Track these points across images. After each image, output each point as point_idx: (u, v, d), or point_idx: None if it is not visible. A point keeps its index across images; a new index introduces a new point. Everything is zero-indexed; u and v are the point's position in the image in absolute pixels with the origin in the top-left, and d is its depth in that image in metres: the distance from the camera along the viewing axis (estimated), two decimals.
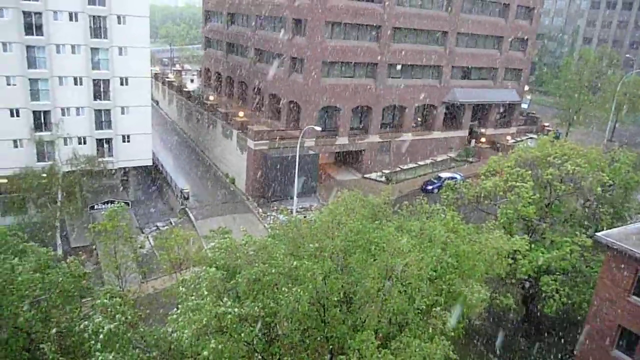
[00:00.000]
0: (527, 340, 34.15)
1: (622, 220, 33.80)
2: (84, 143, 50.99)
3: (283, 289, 18.58)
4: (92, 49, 49.02)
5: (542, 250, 29.43)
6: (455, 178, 51.58)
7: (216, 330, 17.04)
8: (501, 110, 75.03)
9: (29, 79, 47.20)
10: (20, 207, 46.30)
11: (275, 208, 51.29)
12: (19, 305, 19.59)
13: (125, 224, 33.46)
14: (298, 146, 45.90)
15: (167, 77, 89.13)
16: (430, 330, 19.80)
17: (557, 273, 29.77)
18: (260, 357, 18.42)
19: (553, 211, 33.20)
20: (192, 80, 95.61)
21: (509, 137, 72.88)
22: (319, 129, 47.98)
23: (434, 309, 20.28)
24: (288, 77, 57.81)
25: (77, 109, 50.08)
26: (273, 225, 29.67)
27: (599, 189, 31.63)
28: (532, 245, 29.57)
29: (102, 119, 51.79)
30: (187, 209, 50.97)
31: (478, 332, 34.38)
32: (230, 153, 58.67)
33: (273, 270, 19.32)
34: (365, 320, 19.72)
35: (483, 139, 70.62)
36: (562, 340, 33.53)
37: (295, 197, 46.86)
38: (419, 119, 68.00)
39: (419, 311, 20.18)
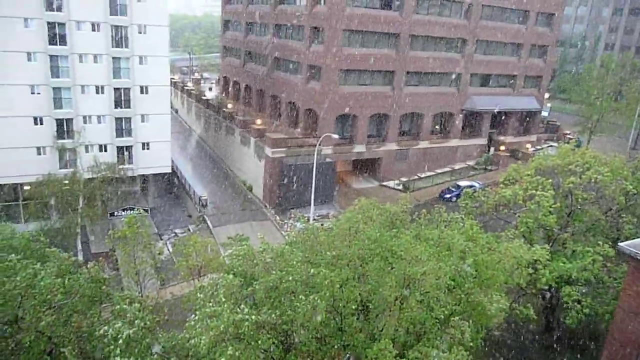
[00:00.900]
0: (548, 352, 33.50)
1: None
2: (105, 150, 51.84)
3: (300, 296, 18.55)
4: (113, 58, 49.98)
5: (564, 260, 28.89)
6: (474, 186, 51.09)
7: (233, 337, 17.06)
8: (521, 118, 74.27)
9: (53, 88, 48.26)
10: (42, 213, 47.17)
11: (293, 215, 51.39)
12: (41, 310, 19.87)
13: (144, 230, 33.78)
14: (315, 154, 46.00)
15: (186, 86, 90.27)
16: (449, 340, 19.56)
17: (579, 283, 29.20)
18: None
19: (575, 220, 32.62)
20: (210, 89, 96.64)
21: (528, 145, 72.00)
22: (336, 136, 48.09)
23: (452, 318, 20.04)
24: (305, 85, 58.09)
25: (99, 117, 51.00)
26: (290, 233, 29.73)
27: (622, 197, 31.02)
28: (553, 255, 29.07)
29: (123, 126, 52.65)
30: (205, 216, 51.35)
31: (497, 342, 33.86)
32: (248, 160, 59.04)
33: (290, 278, 19.32)
34: (382, 329, 19.58)
35: (502, 147, 69.93)
36: (585, 353, 32.83)
37: (312, 205, 46.90)
38: (436, 127, 67.65)
39: (437, 321, 19.96)
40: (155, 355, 18.71)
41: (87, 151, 50.40)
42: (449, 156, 66.90)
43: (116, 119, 51.95)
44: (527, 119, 74.82)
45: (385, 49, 57.51)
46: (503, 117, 71.72)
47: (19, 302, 19.59)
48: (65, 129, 49.92)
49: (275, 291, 19.55)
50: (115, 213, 49.68)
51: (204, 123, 76.86)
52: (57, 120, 49.35)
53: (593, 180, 30.95)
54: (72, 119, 49.84)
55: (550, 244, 31.33)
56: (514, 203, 32.87)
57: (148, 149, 54.37)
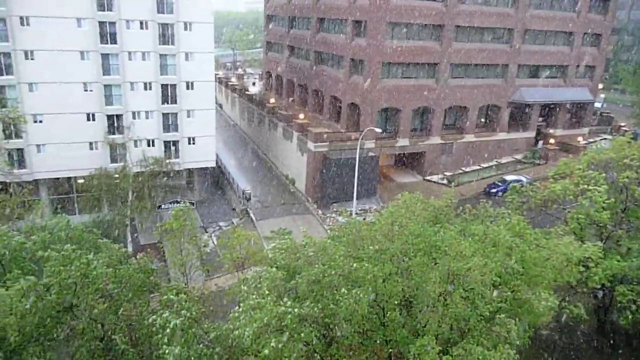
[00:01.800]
0: (600, 354, 32.21)
1: None
2: (153, 145, 53.38)
3: (342, 290, 18.57)
4: (160, 55, 51.24)
5: (618, 258, 27.65)
6: (521, 181, 49.64)
7: (276, 329, 17.27)
8: (572, 109, 71.39)
9: (104, 85, 50.06)
10: (94, 205, 49.12)
11: (335, 210, 51.44)
12: (94, 298, 20.76)
13: (190, 223, 34.68)
14: (358, 148, 45.80)
15: (230, 81, 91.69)
16: (494, 338, 19.12)
17: (634, 283, 27.89)
18: (319, 357, 18.50)
19: (630, 216, 31.15)
20: (254, 84, 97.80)
21: (580, 138, 69.14)
22: (379, 130, 47.70)
23: (497, 315, 19.57)
24: (348, 78, 57.85)
25: (147, 112, 52.50)
26: (333, 227, 29.77)
27: None
28: (606, 253, 27.87)
29: (169, 122, 54.02)
30: (248, 209, 52.12)
31: (546, 342, 32.85)
32: (291, 155, 59.45)
33: (332, 272, 19.36)
34: (425, 325, 19.35)
35: (552, 140, 67.48)
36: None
37: (354, 199, 46.78)
38: (482, 120, 65.98)
39: (482, 318, 19.54)
40: (201, 345, 19.17)
41: (135, 146, 52.06)
42: (495, 150, 65.13)
43: (163, 114, 53.35)
44: (579, 110, 71.84)
45: (429, 40, 56.47)
46: (553, 109, 69.17)
47: (73, 290, 20.50)
48: (115, 125, 51.73)
49: (317, 285, 19.64)
50: (163, 206, 51.13)
51: (248, 118, 77.91)
52: (108, 116, 51.16)
53: None
54: (121, 115, 51.57)
55: (603, 241, 30.08)
56: (564, 198, 31.73)
57: (194, 143, 55.60)
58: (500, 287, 21.42)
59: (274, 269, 20.46)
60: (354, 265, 19.45)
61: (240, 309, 18.31)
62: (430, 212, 26.98)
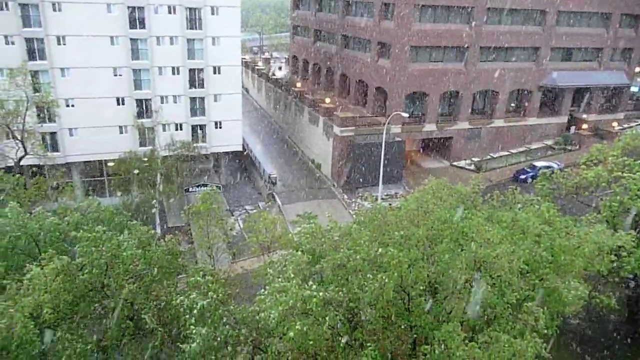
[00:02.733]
0: (631, 345, 31.55)
1: None
2: (180, 129, 54.04)
3: (367, 275, 18.60)
4: (187, 40, 51.55)
5: None
6: (552, 167, 48.48)
7: (301, 312, 17.43)
8: (606, 94, 69.10)
9: (133, 70, 50.72)
10: (124, 188, 50.19)
11: (360, 194, 51.33)
12: (124, 278, 21.29)
13: (217, 206, 35.09)
14: (384, 133, 45.45)
15: (257, 65, 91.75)
16: (521, 326, 18.89)
17: None
18: (343, 341, 18.61)
19: None
20: (280, 68, 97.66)
21: (615, 124, 67.01)
22: (405, 115, 47.14)
23: (525, 304, 19.30)
24: (375, 62, 57.20)
25: (175, 97, 53.07)
26: (358, 212, 29.73)
27: None
28: None
29: (197, 106, 54.54)
30: (274, 193, 52.46)
31: (575, 332, 32.33)
32: (317, 139, 59.40)
33: (358, 257, 19.39)
34: (451, 312, 19.25)
35: (584, 126, 65.60)
36: None
37: (380, 184, 46.57)
38: (512, 105, 64.52)
39: (509, 305, 19.31)
40: (227, 326, 19.50)
41: (164, 130, 52.76)
42: (525, 135, 63.70)
43: (191, 98, 53.84)
44: (614, 95, 69.51)
45: (459, 23, 55.24)
46: (586, 94, 67.08)
47: (104, 270, 21.05)
48: (144, 109, 52.50)
49: (342, 269, 19.71)
50: (190, 189, 51.89)
51: (274, 102, 78.02)
52: (137, 100, 51.92)
53: None
54: (150, 99, 52.27)
55: (637, 230, 29.23)
56: (597, 185, 30.90)
57: (220, 127, 56.05)
58: (528, 275, 21.10)
59: (299, 253, 20.60)
60: (379, 250, 19.41)
61: (266, 292, 18.53)
62: (457, 198, 26.63)
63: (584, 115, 67.18)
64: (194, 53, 52.38)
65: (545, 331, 19.25)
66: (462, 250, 19.82)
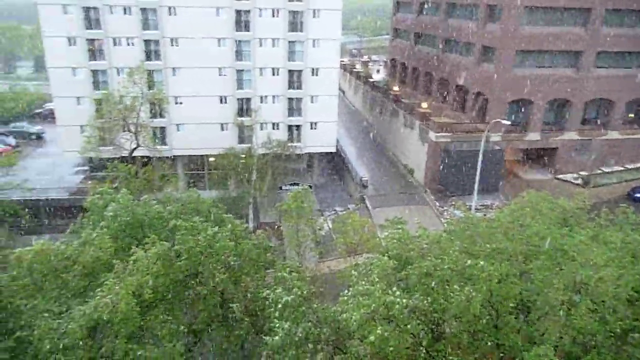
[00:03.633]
0: None
1: None
2: (277, 128, 55.83)
3: (454, 286, 17.95)
4: (289, 42, 53.15)
5: None
6: None
7: (383, 317, 17.22)
8: None
9: (236, 70, 53.29)
10: (222, 182, 52.86)
11: (453, 203, 49.67)
12: (216, 267, 22.37)
13: (307, 205, 35.74)
14: (482, 140, 43.56)
15: (355, 68, 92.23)
16: (625, 359, 17.21)
17: None
18: (425, 351, 18.12)
19: None
20: (378, 71, 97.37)
21: None
22: (507, 122, 44.84)
23: (630, 334, 17.55)
24: (477, 67, 55.12)
25: (273, 97, 54.97)
26: (449, 221, 28.80)
27: None
28: None
29: (294, 106, 56.05)
30: (364, 196, 52.41)
31: None
32: (411, 144, 58.48)
33: (445, 267, 18.78)
34: (544, 334, 18.01)
35: None
36: None
37: (475, 194, 44.72)
38: (630, 115, 58.99)
39: (612, 335, 17.66)
40: (309, 323, 19.78)
41: (261, 129, 54.86)
42: None
43: (288, 99, 55.46)
44: None
45: (573, 26, 51.54)
46: None
47: (199, 259, 22.28)
48: (244, 108, 54.96)
49: (428, 278, 19.20)
50: (283, 187, 53.41)
51: (370, 105, 77.98)
52: (238, 99, 54.51)
53: None
54: (250, 99, 54.60)
55: None
56: None
57: (315, 128, 57.12)
58: (637, 303, 19.17)
59: (386, 258, 20.36)
60: (468, 261, 18.65)
61: (349, 294, 18.54)
62: (559, 214, 24.87)
63: None
64: (294, 55, 53.87)
65: None
66: (560, 269, 18.46)
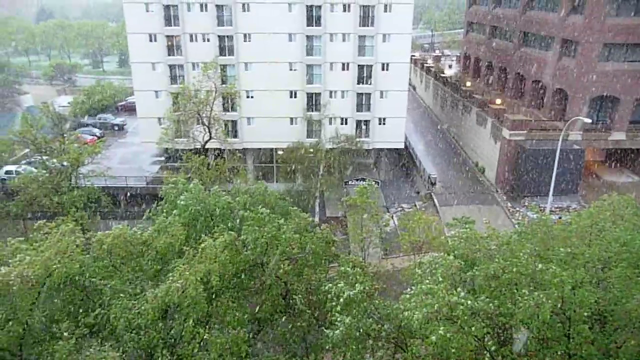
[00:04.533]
0: None
1: None
2: (345, 123, 55.86)
3: (523, 290, 17.20)
4: (359, 36, 52.91)
5: None
6: None
7: (446, 318, 16.84)
8: None
9: (306, 65, 53.83)
10: (290, 176, 53.73)
11: (526, 204, 47.58)
12: (281, 259, 22.82)
13: (373, 201, 35.67)
14: (560, 139, 41.29)
15: (426, 63, 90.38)
16: None
17: None
18: (489, 355, 17.53)
19: None
20: (450, 66, 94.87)
21: None
22: (588, 121, 42.17)
23: None
24: (557, 62, 52.23)
25: (342, 92, 55.02)
26: (521, 222, 27.59)
27: None
28: None
29: (363, 102, 55.78)
30: (432, 194, 51.37)
31: None
32: (483, 142, 56.52)
33: (514, 269, 18.04)
34: (621, 347, 16.86)
35: None
36: None
37: (550, 195, 42.53)
38: None
39: None
40: (371, 319, 19.73)
41: (330, 123, 55.14)
42: None
43: (357, 94, 55.28)
44: None
45: None
46: None
47: (264, 249, 22.81)
48: (313, 103, 55.45)
49: (496, 280, 18.54)
50: (349, 182, 53.43)
51: (440, 101, 76.17)
52: (308, 94, 55.07)
53: None
54: (320, 94, 54.98)
55: None
56: None
57: (384, 124, 56.59)
58: None
59: (451, 257, 19.87)
60: (540, 265, 17.80)
61: (412, 292, 18.27)
62: None
63: None
64: (364, 50, 53.57)
65: None
66: None
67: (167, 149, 55.88)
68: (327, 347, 21.94)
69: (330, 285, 20.49)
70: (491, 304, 17.51)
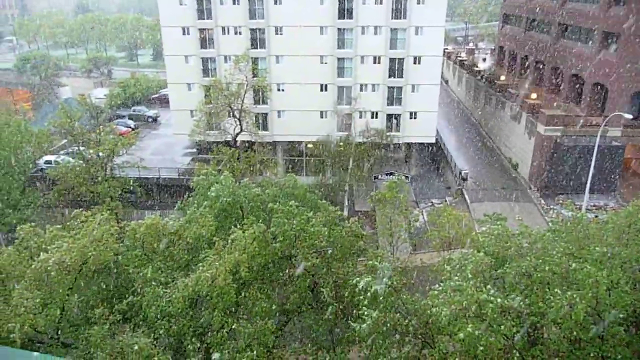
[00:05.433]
0: None
1: None
2: (376, 117, 55.49)
3: (556, 290, 16.81)
4: (391, 29, 52.34)
5: None
6: None
7: (475, 315, 16.62)
8: None
9: (337, 58, 53.63)
10: (319, 169, 53.83)
11: (561, 202, 46.40)
12: (309, 252, 22.94)
13: (402, 196, 35.35)
14: (598, 135, 40.06)
15: (459, 56, 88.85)
16: None
17: None
18: (518, 355, 17.22)
19: None
20: (484, 59, 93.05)
21: None
22: (629, 116, 40.75)
23: None
24: (596, 54, 50.54)
25: (373, 85, 54.63)
26: (555, 220, 26.92)
27: None
28: None
29: (394, 95, 55.23)
30: (463, 189, 50.64)
31: None
32: (517, 137, 55.30)
33: (546, 268, 17.67)
34: None
35: None
36: None
37: (587, 193, 41.37)
38: None
39: None
40: (398, 314, 19.64)
41: (360, 117, 54.85)
42: None
43: (388, 87, 54.78)
44: None
45: None
46: None
47: (293, 242, 22.96)
48: (344, 96, 55.26)
49: (527, 278, 18.20)
50: (379, 176, 53.09)
51: (473, 95, 74.81)
52: (338, 87, 54.89)
53: None
54: (350, 87, 54.73)
55: None
56: None
57: (415, 118, 55.97)
58: None
59: (481, 254, 19.56)
60: (573, 265, 17.35)
61: (441, 288, 18.11)
62: None
63: None
64: (396, 43, 52.98)
65: None
66: None
67: (198, 141, 56.71)
68: (353, 341, 21.99)
69: (358, 279, 20.48)
70: (522, 303, 17.19)
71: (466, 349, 16.71)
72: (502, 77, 68.21)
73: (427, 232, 40.73)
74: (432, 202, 51.52)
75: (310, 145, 55.59)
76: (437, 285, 18.72)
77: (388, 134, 54.13)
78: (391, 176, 47.36)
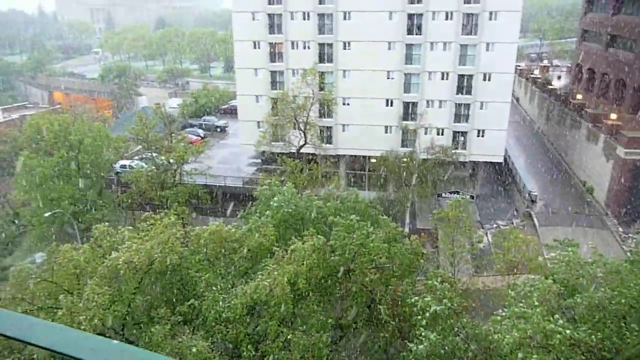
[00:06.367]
0: None
1: None
2: (442, 134, 54.39)
3: (632, 325, 15.61)
4: (460, 45, 51.33)
5: None
6: None
7: (540, 346, 15.72)
8: None
9: (404, 74, 53.24)
10: (381, 184, 53.38)
11: None
12: (367, 267, 22.72)
13: (466, 215, 34.33)
14: None
15: (532, 73, 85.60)
16: None
17: None
18: None
19: None
20: (559, 77, 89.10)
21: None
22: None
23: None
24: None
25: (440, 102, 53.68)
26: (634, 250, 25.10)
27: None
28: None
29: (461, 112, 53.96)
30: (532, 212, 48.39)
31: None
32: (592, 159, 52.30)
33: (623, 300, 16.45)
34: None
35: None
36: None
37: None
38: None
39: None
40: (457, 338, 18.96)
41: (425, 133, 53.88)
42: None
43: (456, 104, 53.61)
44: None
45: None
46: None
47: (352, 256, 22.84)
48: (409, 112, 54.66)
49: (601, 311, 17.01)
50: (443, 194, 51.86)
51: (546, 114, 71.69)
52: (404, 103, 54.40)
53: None
54: (416, 103, 54.08)
55: None
56: None
57: (482, 136, 54.35)
58: None
59: (550, 281, 18.58)
60: None
61: (504, 314, 17.32)
62: None
63: None
64: (465, 59, 51.87)
65: None
66: None
67: (263, 151, 57.97)
68: None
69: (416, 298, 20.00)
70: (593, 336, 16.08)
71: None
72: (579, 96, 64.90)
73: (491, 254, 39.21)
74: (497, 224, 49.60)
75: (373, 160, 55.30)
76: (500, 311, 17.95)
77: (454, 151, 52.86)
78: (455, 195, 46.14)
